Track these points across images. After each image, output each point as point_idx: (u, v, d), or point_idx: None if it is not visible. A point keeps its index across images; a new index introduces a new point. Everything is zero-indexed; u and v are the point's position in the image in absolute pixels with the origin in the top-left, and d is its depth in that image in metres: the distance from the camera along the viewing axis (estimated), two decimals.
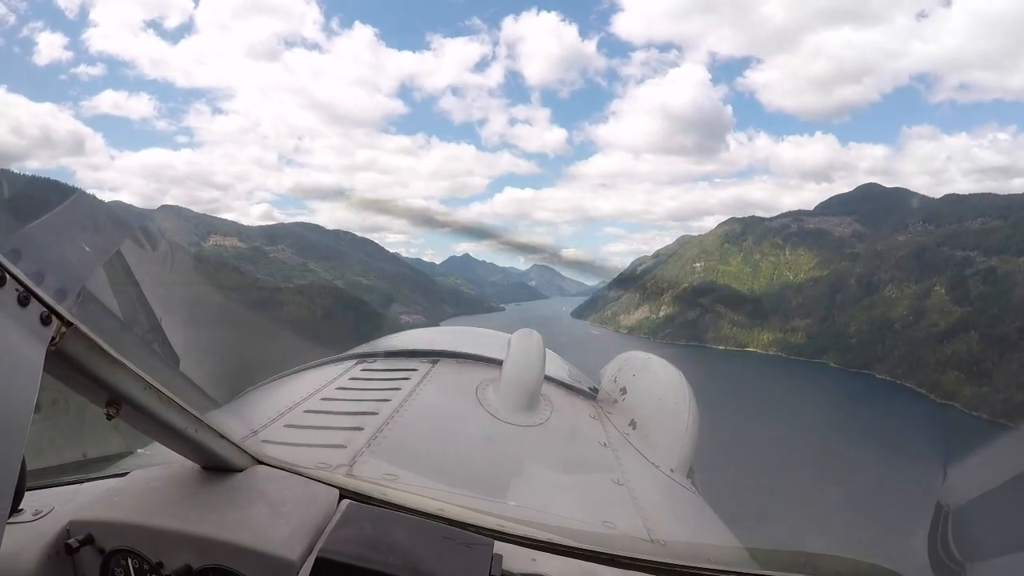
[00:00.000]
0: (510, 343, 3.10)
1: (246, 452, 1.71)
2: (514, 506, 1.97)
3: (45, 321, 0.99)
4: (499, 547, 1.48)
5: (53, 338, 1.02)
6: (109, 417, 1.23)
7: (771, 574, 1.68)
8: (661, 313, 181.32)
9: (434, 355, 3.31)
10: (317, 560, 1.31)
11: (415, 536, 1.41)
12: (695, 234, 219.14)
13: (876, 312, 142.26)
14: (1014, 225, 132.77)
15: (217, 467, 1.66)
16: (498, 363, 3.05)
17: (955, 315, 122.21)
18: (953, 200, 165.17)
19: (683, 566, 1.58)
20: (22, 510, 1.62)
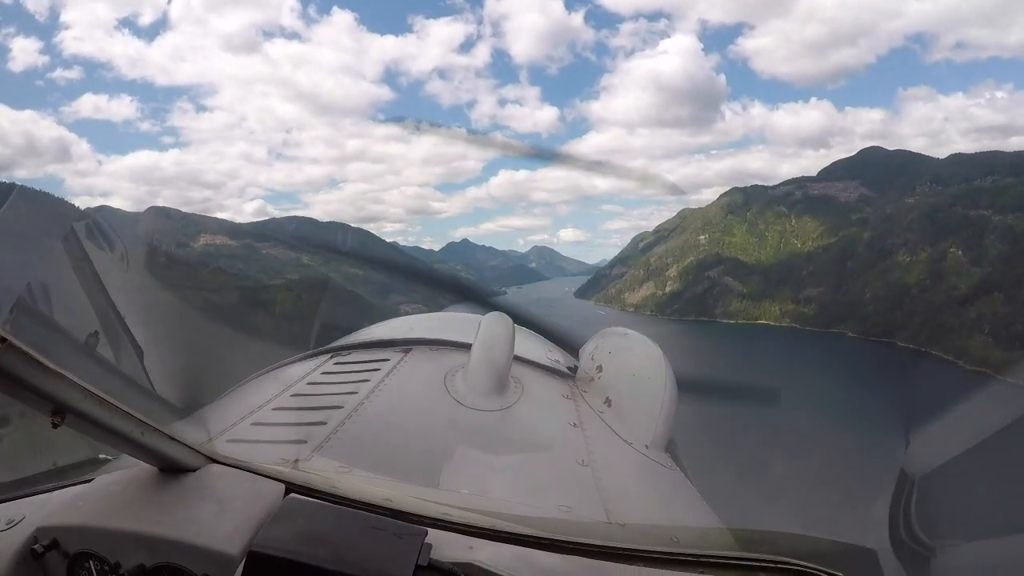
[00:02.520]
0: (479, 327, 3.07)
1: (199, 452, 1.75)
2: (465, 494, 1.99)
3: None
4: (438, 535, 1.49)
5: None
6: (55, 425, 1.26)
7: (722, 554, 1.62)
8: (667, 289, 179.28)
9: (408, 343, 3.26)
10: (248, 554, 1.36)
11: (345, 528, 1.45)
12: (695, 207, 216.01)
13: (891, 277, 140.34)
14: None
15: (173, 468, 1.71)
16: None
17: (975, 277, 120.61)
18: (959, 159, 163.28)
19: (632, 549, 1.55)
20: None
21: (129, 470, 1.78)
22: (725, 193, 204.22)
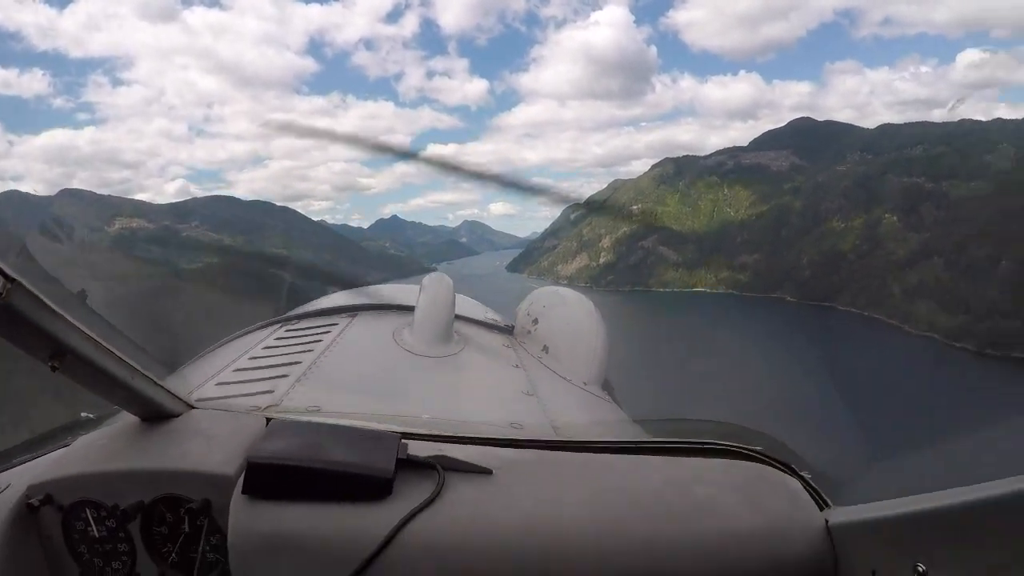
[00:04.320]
0: (421, 286, 3.33)
1: (180, 398, 1.83)
2: (428, 418, 2.15)
3: None
4: (410, 443, 1.63)
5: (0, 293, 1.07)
6: (53, 369, 1.30)
7: (658, 440, 1.76)
8: (601, 260, 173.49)
9: (354, 309, 3.50)
10: (248, 464, 1.47)
11: (331, 438, 1.59)
12: (626, 178, 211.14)
13: (826, 244, 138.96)
14: (961, 151, 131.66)
15: (155, 416, 1.79)
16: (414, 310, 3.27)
17: (912, 242, 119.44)
18: (888, 130, 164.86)
19: (581, 442, 1.78)
20: None
21: (110, 426, 1.84)
22: (657, 164, 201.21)
